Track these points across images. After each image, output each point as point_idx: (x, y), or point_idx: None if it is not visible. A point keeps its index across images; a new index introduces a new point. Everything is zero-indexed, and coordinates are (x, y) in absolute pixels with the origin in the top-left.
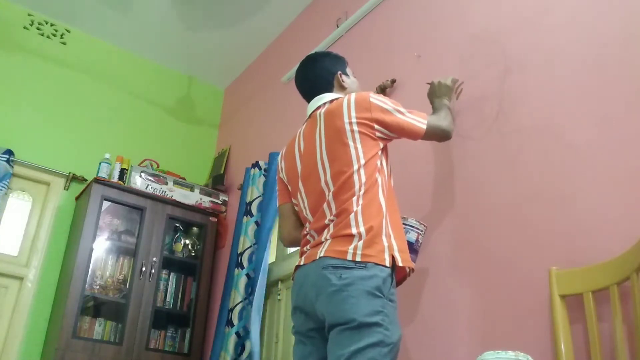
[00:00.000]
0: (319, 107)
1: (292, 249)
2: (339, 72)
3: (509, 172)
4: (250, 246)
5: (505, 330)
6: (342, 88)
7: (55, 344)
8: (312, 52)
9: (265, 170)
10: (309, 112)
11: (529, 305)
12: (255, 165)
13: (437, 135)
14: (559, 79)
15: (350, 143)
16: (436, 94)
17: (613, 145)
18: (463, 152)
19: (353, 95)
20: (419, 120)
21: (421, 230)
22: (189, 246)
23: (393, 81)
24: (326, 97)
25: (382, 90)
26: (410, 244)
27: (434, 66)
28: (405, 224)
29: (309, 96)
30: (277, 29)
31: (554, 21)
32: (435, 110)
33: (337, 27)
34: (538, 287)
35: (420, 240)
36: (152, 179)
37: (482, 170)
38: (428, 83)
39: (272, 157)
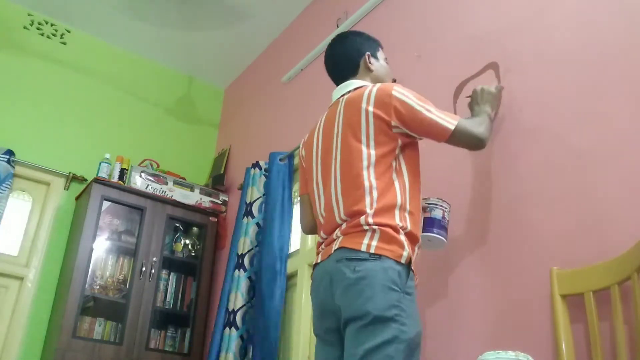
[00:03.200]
0: (344, 95)
1: (292, 250)
2: (368, 54)
3: (509, 172)
4: (252, 248)
5: (505, 330)
6: (369, 70)
7: (55, 344)
8: (348, 30)
9: (265, 170)
10: (334, 97)
11: (530, 305)
12: (256, 165)
13: (466, 140)
14: (559, 79)
15: (363, 138)
16: (477, 101)
17: (613, 145)
18: (463, 152)
19: (377, 86)
20: (447, 120)
21: (446, 208)
22: (189, 246)
23: (393, 81)
24: (353, 84)
25: None
26: (437, 220)
27: (434, 66)
28: (429, 203)
29: (334, 76)
30: (277, 29)
31: (554, 21)
32: (473, 116)
33: (337, 27)
34: (539, 287)
35: (447, 218)
36: (152, 179)
37: (482, 170)
38: (468, 97)
39: (272, 157)
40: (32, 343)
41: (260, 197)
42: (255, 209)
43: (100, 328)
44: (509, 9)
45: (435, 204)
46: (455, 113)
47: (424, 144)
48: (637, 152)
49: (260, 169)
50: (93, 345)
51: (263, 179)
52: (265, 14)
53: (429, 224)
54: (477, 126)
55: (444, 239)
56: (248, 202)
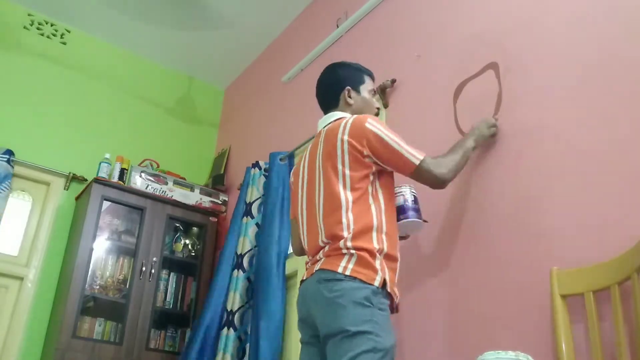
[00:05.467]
0: (326, 126)
1: (290, 250)
2: (348, 88)
3: (509, 172)
4: (251, 249)
5: (505, 330)
6: (348, 105)
7: (55, 344)
8: (339, 61)
9: (265, 170)
10: (319, 127)
11: (530, 305)
12: (256, 165)
13: (427, 178)
14: (559, 79)
15: (339, 167)
16: (472, 131)
17: (613, 145)
18: None
19: (352, 119)
20: (414, 155)
21: (403, 191)
22: (189, 246)
23: (393, 81)
24: (334, 115)
25: (382, 90)
26: (399, 207)
27: (434, 66)
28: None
29: (321, 105)
30: (277, 29)
31: (554, 21)
32: (453, 147)
33: (337, 27)
34: (539, 287)
35: (410, 197)
36: (152, 179)
37: (482, 170)
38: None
39: (273, 157)
40: (32, 343)
41: (260, 197)
42: (254, 209)
43: (100, 328)
44: (508, 9)
45: (395, 194)
46: (455, 113)
47: (425, 139)
48: (637, 152)
49: (260, 168)
50: (93, 345)
51: (263, 179)
52: (265, 14)
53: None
54: (439, 167)
55: (415, 219)
56: (248, 201)
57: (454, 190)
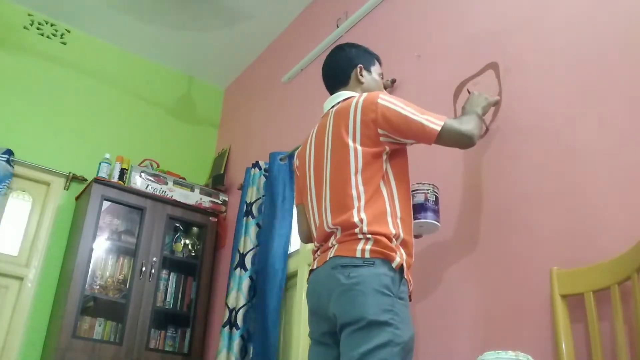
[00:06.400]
0: (334, 105)
1: (292, 250)
2: (360, 66)
3: (509, 172)
4: (253, 248)
5: (505, 330)
6: (359, 83)
7: (55, 344)
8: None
9: (265, 170)
10: (325, 109)
11: (530, 305)
12: (256, 165)
13: (454, 139)
14: (559, 79)
15: (350, 146)
16: (471, 103)
17: (613, 145)
18: (463, 151)
19: (363, 96)
20: (433, 122)
21: (427, 189)
22: (189, 246)
23: (393, 81)
24: (342, 95)
25: None
26: (419, 205)
27: (434, 66)
28: (412, 192)
29: (328, 86)
30: (277, 29)
31: (554, 21)
32: (461, 115)
33: (337, 27)
34: (539, 287)
35: (432, 198)
36: (152, 179)
37: (482, 170)
38: (469, 91)
39: (273, 157)
40: (32, 343)
41: (260, 198)
42: (255, 210)
43: (100, 328)
44: (509, 9)
45: (416, 190)
46: (455, 114)
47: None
48: (636, 152)
49: (260, 169)
50: (93, 345)
51: (263, 179)
52: (265, 14)
53: (414, 211)
54: (464, 124)
55: (433, 221)
56: (248, 202)
57: (453, 191)
